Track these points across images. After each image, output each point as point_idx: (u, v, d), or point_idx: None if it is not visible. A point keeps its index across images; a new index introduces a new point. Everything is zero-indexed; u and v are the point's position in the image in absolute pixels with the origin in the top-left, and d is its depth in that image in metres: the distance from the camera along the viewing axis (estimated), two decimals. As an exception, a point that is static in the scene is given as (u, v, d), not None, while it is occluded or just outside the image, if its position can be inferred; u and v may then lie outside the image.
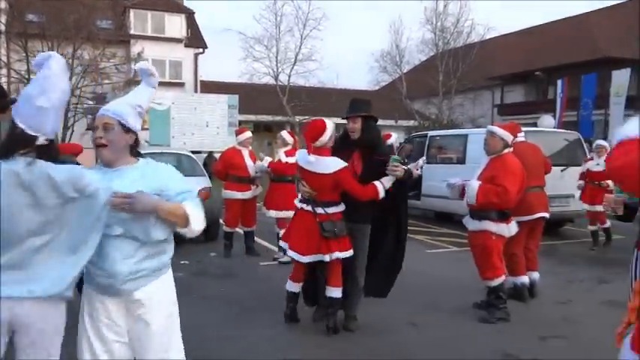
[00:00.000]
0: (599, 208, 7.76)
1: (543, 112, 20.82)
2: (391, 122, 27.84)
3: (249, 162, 7.15)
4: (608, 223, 8.06)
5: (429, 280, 5.87)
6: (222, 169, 7.25)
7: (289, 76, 25.78)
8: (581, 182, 8.16)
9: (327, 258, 4.09)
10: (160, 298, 2.28)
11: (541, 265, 6.72)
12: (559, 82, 24.21)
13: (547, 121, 15.91)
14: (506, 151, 4.67)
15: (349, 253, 4.12)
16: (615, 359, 3.74)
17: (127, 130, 2.23)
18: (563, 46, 27.28)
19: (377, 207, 4.18)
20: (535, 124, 14.03)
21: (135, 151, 2.31)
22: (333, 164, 4.04)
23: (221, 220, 7.91)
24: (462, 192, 4.76)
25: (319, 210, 4.11)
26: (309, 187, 4.15)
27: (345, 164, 4.05)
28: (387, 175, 4.07)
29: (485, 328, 4.39)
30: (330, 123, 4.19)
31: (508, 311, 4.56)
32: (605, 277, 6.15)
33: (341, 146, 4.29)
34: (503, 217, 4.56)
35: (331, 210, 4.11)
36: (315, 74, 32.26)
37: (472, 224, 4.67)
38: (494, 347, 3.99)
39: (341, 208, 4.16)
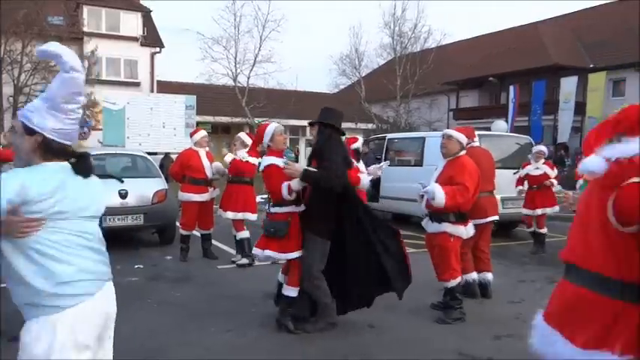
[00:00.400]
0: (539, 212, 7.96)
1: (496, 116, 21.46)
2: (350, 125, 28.05)
3: (206, 163, 7.02)
4: (544, 230, 8.13)
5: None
6: (178, 170, 7.09)
7: (248, 78, 25.65)
8: (521, 187, 8.23)
9: (258, 253, 4.35)
10: (25, 346, 1.84)
11: (494, 265, 6.90)
12: (511, 88, 25.01)
13: (500, 126, 16.40)
14: (462, 153, 4.78)
15: (284, 255, 4.20)
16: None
17: (30, 131, 1.91)
18: (515, 53, 28.20)
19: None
20: (489, 129, 14.43)
21: (53, 153, 1.94)
22: (263, 163, 4.30)
23: (177, 223, 7.76)
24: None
25: (268, 209, 4.37)
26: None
27: (272, 162, 4.22)
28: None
29: (442, 329, 4.47)
30: (272, 125, 4.50)
31: (464, 311, 4.65)
32: (554, 277, 6.33)
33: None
34: (461, 219, 4.65)
35: (273, 210, 4.27)
36: (274, 76, 32.13)
37: (431, 226, 4.74)
38: (451, 347, 4.05)
39: (284, 209, 4.20)
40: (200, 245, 7.26)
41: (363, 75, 30.34)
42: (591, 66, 25.34)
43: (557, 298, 2.02)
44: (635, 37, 25.29)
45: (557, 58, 25.60)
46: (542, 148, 8.35)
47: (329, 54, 68.08)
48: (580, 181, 8.72)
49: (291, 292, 4.29)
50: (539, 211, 8.00)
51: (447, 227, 4.63)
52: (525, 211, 8.17)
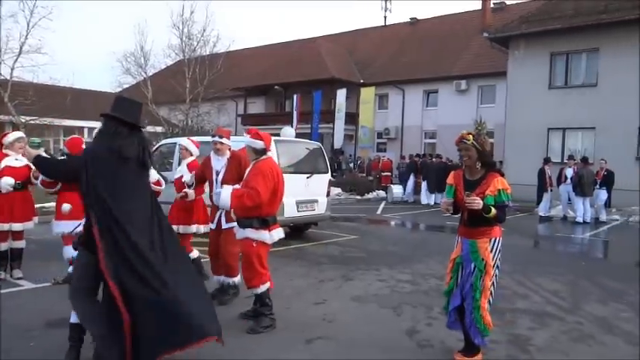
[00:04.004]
0: (193, 229, 6.20)
1: (282, 123, 22.49)
2: (136, 127, 26.19)
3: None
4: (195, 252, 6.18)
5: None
6: None
7: (12, 69, 22.08)
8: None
9: None
10: None
11: (294, 267, 7.14)
12: (294, 96, 26.56)
13: (289, 132, 17.19)
14: (264, 156, 4.73)
15: None
16: (370, 354, 4.09)
17: None
18: (297, 64, 30.01)
19: None
20: (277, 134, 14.95)
21: None
22: None
23: None
24: None
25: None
26: None
27: None
28: None
29: (254, 339, 4.34)
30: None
31: (274, 317, 4.62)
32: (349, 274, 6.82)
33: None
34: (265, 224, 4.60)
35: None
36: (45, 69, 28.61)
37: (239, 233, 4.63)
38: (265, 357, 3.97)
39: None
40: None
41: (150, 75, 28.83)
42: (361, 81, 28.37)
43: None
44: (396, 58, 29.16)
45: (335, 72, 28.01)
46: (183, 141, 6.65)
47: (111, 50, 63.31)
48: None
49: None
50: (193, 228, 6.21)
51: (250, 233, 4.57)
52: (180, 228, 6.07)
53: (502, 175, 3.93)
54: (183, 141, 6.61)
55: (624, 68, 16.75)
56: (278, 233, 4.77)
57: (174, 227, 5.72)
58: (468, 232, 3.86)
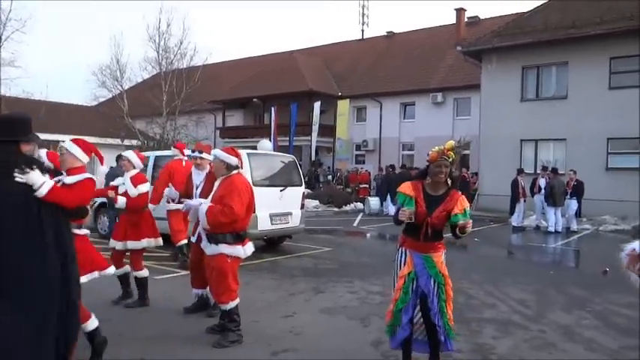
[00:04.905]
0: (131, 245, 5.77)
1: (261, 136, 22.56)
2: (113, 142, 26.09)
3: None
4: (144, 272, 5.87)
5: (158, 309, 5.57)
6: None
7: (-17, 83, 21.85)
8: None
9: None
10: None
11: (266, 280, 7.14)
12: (272, 109, 26.64)
13: (265, 145, 17.28)
14: (235, 172, 4.78)
15: None
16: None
17: None
18: (275, 77, 30.15)
19: None
20: (255, 147, 15.01)
21: None
22: None
23: None
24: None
25: None
26: None
27: None
28: None
29: (220, 353, 4.34)
30: None
31: (241, 333, 4.62)
32: (319, 287, 6.84)
33: None
34: (239, 239, 4.63)
35: None
36: (18, 82, 28.38)
37: (209, 248, 4.63)
38: (230, 371, 3.97)
39: None
40: None
41: (126, 88, 28.66)
42: (339, 94, 28.61)
43: None
44: (373, 71, 29.50)
45: (312, 85, 28.20)
46: (126, 153, 6.11)
47: (87, 63, 63.04)
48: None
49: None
50: (131, 244, 5.75)
51: (224, 248, 4.58)
52: (112, 242, 5.84)
53: (461, 192, 3.99)
54: (127, 153, 6.23)
55: (592, 81, 17.24)
56: (250, 248, 4.82)
57: (121, 243, 5.74)
58: (422, 246, 3.81)
